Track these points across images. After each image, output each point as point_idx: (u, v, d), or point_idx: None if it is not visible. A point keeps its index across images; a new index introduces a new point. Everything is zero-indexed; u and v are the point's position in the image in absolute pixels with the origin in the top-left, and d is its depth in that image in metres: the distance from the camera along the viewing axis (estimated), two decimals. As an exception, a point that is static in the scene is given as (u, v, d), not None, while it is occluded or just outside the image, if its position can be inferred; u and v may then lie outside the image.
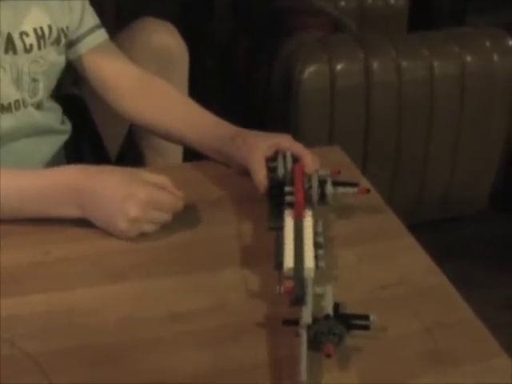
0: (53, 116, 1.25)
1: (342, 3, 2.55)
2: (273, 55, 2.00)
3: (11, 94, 1.13)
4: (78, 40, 1.23)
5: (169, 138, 1.21)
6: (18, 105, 1.15)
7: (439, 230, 2.16)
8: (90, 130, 1.35)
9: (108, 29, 1.27)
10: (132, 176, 0.93)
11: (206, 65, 2.26)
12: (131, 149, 1.36)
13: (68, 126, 1.30)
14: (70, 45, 1.23)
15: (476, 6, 3.56)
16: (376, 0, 2.63)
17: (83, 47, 1.24)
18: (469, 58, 2.04)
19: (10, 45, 1.10)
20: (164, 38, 1.35)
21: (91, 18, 1.25)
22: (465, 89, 2.04)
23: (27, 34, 1.12)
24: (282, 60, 1.95)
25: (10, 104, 1.13)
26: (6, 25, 1.09)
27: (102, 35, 1.26)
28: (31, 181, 0.93)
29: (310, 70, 1.87)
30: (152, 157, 1.40)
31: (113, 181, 0.92)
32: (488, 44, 2.09)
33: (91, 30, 1.24)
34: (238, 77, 2.28)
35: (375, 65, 1.93)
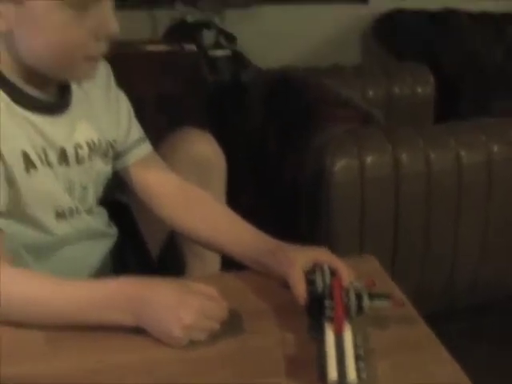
0: (101, 220, 1.32)
1: (370, 92, 2.63)
2: (303, 148, 2.06)
3: (65, 202, 1.20)
4: (125, 152, 1.31)
5: (208, 246, 1.28)
6: (71, 212, 1.21)
7: (467, 316, 2.17)
8: (134, 233, 1.41)
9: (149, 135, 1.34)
10: (183, 286, 1.00)
11: (235, 157, 2.33)
12: (172, 251, 1.41)
13: (114, 230, 1.37)
14: (117, 156, 1.30)
15: (500, 93, 3.63)
16: (403, 89, 2.71)
17: (129, 159, 1.31)
18: (495, 148, 2.09)
19: (63, 157, 1.17)
20: (203, 148, 1.42)
21: (136, 131, 1.33)
22: (492, 177, 2.08)
23: (80, 147, 1.19)
24: (312, 153, 2.00)
25: (64, 211, 1.20)
26: (61, 139, 1.16)
27: (146, 148, 1.34)
28: (88, 292, 1.00)
29: (341, 163, 1.92)
30: (192, 260, 1.45)
31: (167, 290, 0.98)
32: (513, 132, 2.14)
33: (137, 143, 1.32)
34: (268, 168, 2.34)
35: (404, 156, 1.98)
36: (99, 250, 1.31)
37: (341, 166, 1.91)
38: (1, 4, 1.05)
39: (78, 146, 1.19)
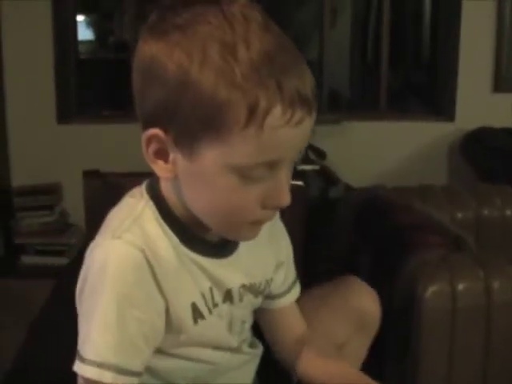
0: (248, 342, 1.32)
1: (459, 214, 2.63)
2: (394, 272, 2.07)
3: (226, 342, 1.20)
4: (280, 296, 1.31)
5: None
6: (230, 348, 1.22)
7: None
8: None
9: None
10: None
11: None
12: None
13: (261, 348, 1.36)
14: (271, 297, 1.30)
15: None
16: (492, 210, 2.71)
17: (280, 303, 1.32)
18: None
19: (228, 297, 1.16)
20: (365, 302, 1.45)
21: (292, 273, 1.33)
22: None
23: (244, 287, 1.18)
24: (403, 277, 2.01)
25: (222, 346, 1.20)
26: (227, 281, 1.14)
27: (297, 291, 1.34)
28: None
29: (433, 289, 1.92)
30: None
31: None
32: None
33: (291, 286, 1.32)
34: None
35: (496, 284, 1.96)
36: (250, 371, 1.31)
37: (433, 291, 1.91)
38: (172, 152, 1.00)
39: (242, 287, 1.18)
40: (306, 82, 0.94)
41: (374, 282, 2.24)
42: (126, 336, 1.00)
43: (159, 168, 1.02)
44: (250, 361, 1.30)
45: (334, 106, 4.61)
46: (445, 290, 1.93)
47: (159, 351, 1.10)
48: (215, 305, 1.13)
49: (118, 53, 5.17)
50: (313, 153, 3.55)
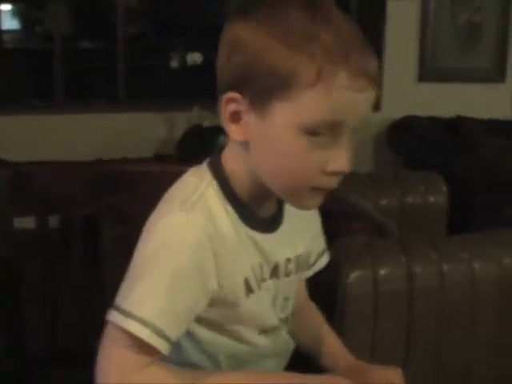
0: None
1: (383, 201, 2.68)
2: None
3: (271, 320, 1.23)
4: (313, 264, 1.35)
5: (307, 351, 1.38)
6: (273, 328, 1.24)
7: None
8: None
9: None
10: None
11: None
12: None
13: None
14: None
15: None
16: (416, 198, 2.76)
17: (312, 271, 1.36)
18: (507, 260, 2.11)
19: (275, 271, 1.20)
20: None
21: (322, 243, 1.38)
22: (505, 290, 2.10)
23: (289, 261, 1.22)
24: (327, 264, 2.03)
25: (267, 329, 1.23)
26: (275, 254, 1.19)
27: (323, 261, 1.38)
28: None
29: (356, 274, 1.95)
30: None
31: None
32: (526, 245, 2.17)
33: (320, 256, 1.37)
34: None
35: (417, 269, 2.00)
36: (283, 361, 1.33)
37: (355, 277, 1.94)
38: (244, 113, 1.08)
39: (287, 261, 1.22)
40: (368, 59, 1.06)
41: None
42: (172, 304, 1.05)
43: (233, 130, 1.10)
44: (283, 353, 1.33)
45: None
46: (367, 275, 1.96)
47: (206, 322, 1.15)
48: (263, 279, 1.18)
49: (44, 43, 5.08)
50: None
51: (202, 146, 3.40)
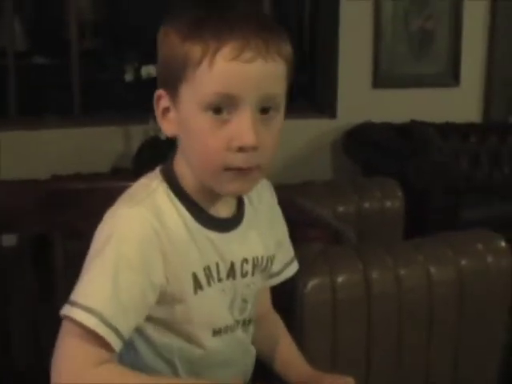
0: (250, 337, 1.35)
1: (340, 208, 2.69)
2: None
3: (224, 320, 1.24)
4: (276, 274, 1.38)
5: (267, 361, 1.40)
6: (227, 329, 1.25)
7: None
8: None
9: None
10: None
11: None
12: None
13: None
14: (270, 276, 1.36)
15: (468, 201, 3.73)
16: (373, 203, 2.79)
17: (273, 282, 1.39)
18: (463, 262, 2.14)
19: (231, 271, 1.22)
20: None
21: (289, 252, 1.42)
22: (462, 292, 2.12)
23: (246, 262, 1.24)
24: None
25: (221, 329, 1.23)
26: (232, 254, 1.21)
27: (292, 270, 1.42)
28: None
29: (313, 282, 1.95)
30: None
31: None
32: (481, 247, 2.19)
33: (288, 264, 1.40)
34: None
35: (374, 275, 2.02)
36: (247, 365, 1.34)
37: (313, 285, 1.95)
38: (171, 108, 1.16)
39: (244, 261, 1.24)
40: (261, 34, 1.10)
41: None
42: (117, 293, 1.07)
43: (164, 126, 1.18)
44: (242, 361, 1.33)
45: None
46: (325, 282, 1.97)
47: (159, 323, 1.17)
48: (220, 279, 1.20)
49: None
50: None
51: (158, 157, 3.36)
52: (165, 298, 1.15)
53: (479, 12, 4.89)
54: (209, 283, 1.18)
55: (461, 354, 2.16)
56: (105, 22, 5.67)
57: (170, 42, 1.14)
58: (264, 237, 1.29)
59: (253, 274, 1.26)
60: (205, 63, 1.09)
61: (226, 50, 1.08)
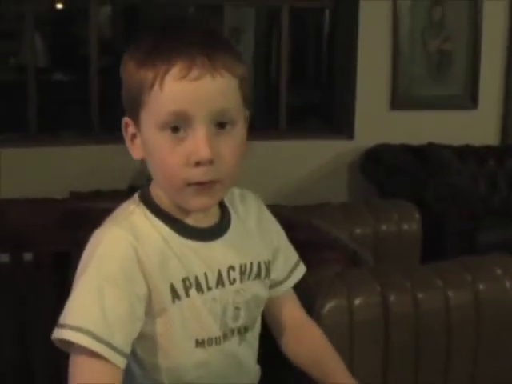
0: (251, 352, 1.37)
1: (357, 230, 2.69)
2: (293, 289, 2.08)
3: (209, 332, 1.25)
4: (282, 282, 1.43)
5: (311, 374, 1.45)
6: (211, 342, 1.26)
7: None
8: None
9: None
10: None
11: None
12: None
13: (257, 368, 1.42)
14: (275, 285, 1.41)
15: (485, 224, 3.71)
16: (390, 226, 2.78)
17: (281, 289, 1.45)
18: (481, 286, 2.12)
19: (220, 280, 1.25)
20: None
21: (293, 257, 1.48)
22: (480, 316, 2.10)
23: (234, 269, 1.28)
24: (300, 295, 2.03)
25: (204, 340, 1.25)
26: (218, 262, 1.26)
27: (298, 275, 1.49)
28: None
29: (331, 304, 1.94)
30: None
31: None
32: (499, 271, 2.18)
33: (292, 270, 1.47)
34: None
35: (392, 298, 2.01)
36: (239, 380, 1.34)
37: (330, 307, 1.94)
38: (137, 137, 1.24)
39: (231, 268, 1.27)
40: (207, 51, 1.16)
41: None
42: (104, 309, 1.11)
43: (133, 152, 1.26)
44: (242, 372, 1.34)
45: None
46: (342, 305, 1.95)
47: (145, 340, 1.20)
48: (209, 288, 1.24)
49: (18, 74, 5.06)
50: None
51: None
52: (148, 310, 1.19)
53: (498, 34, 4.89)
54: (187, 294, 1.21)
55: (478, 378, 2.14)
56: (124, 40, 5.71)
57: (128, 70, 1.23)
58: (254, 243, 1.33)
59: (241, 280, 1.29)
60: (156, 86, 1.16)
61: (175, 71, 1.15)
